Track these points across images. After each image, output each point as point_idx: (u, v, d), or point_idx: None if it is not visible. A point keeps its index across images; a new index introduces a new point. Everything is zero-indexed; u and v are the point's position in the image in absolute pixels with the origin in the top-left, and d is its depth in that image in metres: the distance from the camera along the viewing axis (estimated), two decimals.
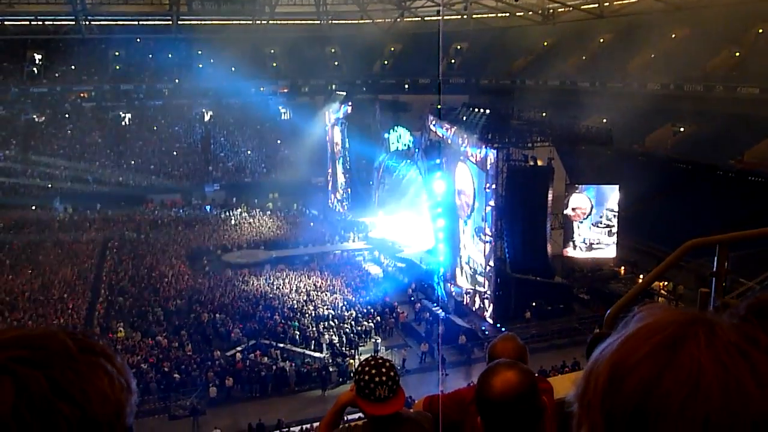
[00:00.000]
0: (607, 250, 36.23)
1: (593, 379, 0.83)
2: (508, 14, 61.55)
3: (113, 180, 54.63)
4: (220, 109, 64.19)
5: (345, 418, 3.06)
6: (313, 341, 30.36)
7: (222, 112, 64.13)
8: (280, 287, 36.40)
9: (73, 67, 63.24)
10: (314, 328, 30.99)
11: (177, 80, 64.84)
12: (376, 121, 45.20)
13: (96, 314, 33.39)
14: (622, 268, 36.99)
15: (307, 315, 32.44)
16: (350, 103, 48.53)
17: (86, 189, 53.09)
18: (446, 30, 66.41)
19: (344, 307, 33.38)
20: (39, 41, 63.15)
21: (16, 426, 0.76)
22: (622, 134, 41.28)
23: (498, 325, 30.94)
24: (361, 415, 2.83)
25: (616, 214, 35.72)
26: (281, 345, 30.02)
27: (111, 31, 64.14)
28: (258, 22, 66.51)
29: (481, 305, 33.35)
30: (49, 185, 52.87)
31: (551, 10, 60.14)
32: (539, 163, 33.07)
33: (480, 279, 33.41)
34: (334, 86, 63.49)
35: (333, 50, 71.62)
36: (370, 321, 31.86)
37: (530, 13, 59.97)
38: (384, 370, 2.75)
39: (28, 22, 63.08)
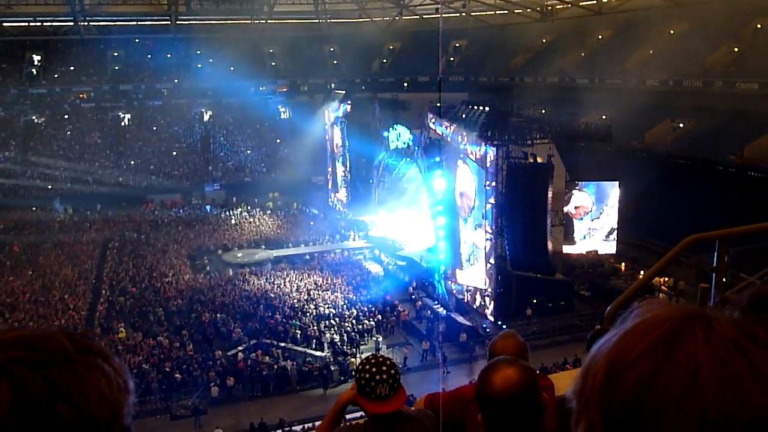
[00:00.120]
0: (608, 246, 36.24)
1: (591, 375, 0.83)
2: (506, 12, 61.38)
3: (113, 180, 54.67)
4: (219, 108, 64.18)
5: (346, 417, 3.06)
6: (314, 340, 30.38)
7: (221, 112, 64.13)
8: (281, 286, 36.43)
9: (72, 68, 63.21)
10: (315, 327, 31.01)
11: (176, 80, 64.79)
12: (375, 119, 45.18)
13: (97, 315, 33.44)
14: (623, 264, 37.02)
15: (308, 314, 32.45)
16: (349, 102, 48.53)
17: (86, 190, 53.15)
18: (445, 28, 66.40)
19: (345, 306, 33.42)
20: (38, 42, 63.06)
21: (13, 426, 0.77)
22: (621, 130, 41.26)
23: (499, 323, 30.97)
24: (362, 413, 2.83)
25: (617, 210, 35.73)
26: (282, 344, 30.03)
27: (110, 32, 64.06)
28: (256, 21, 66.40)
29: (482, 303, 33.38)
30: (49, 186, 52.90)
31: (550, 7, 60.00)
32: (539, 160, 33.04)
33: (480, 276, 33.43)
34: (333, 85, 63.52)
35: (332, 49, 71.55)
36: (371, 319, 31.87)
37: (529, 10, 59.83)
38: (384, 368, 2.75)
39: (26, 24, 62.96)
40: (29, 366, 0.81)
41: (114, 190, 53.51)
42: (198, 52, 66.01)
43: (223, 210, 53.11)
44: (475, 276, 34.06)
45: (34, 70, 62.86)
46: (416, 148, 38.23)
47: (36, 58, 63.37)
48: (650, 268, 4.16)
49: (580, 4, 55.01)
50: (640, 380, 0.76)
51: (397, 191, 44.04)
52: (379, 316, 32.38)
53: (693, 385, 0.74)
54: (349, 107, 47.99)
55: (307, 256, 41.70)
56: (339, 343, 29.87)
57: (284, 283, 36.91)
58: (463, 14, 64.45)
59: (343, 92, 51.86)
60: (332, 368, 28.03)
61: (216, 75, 61.12)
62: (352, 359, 27.80)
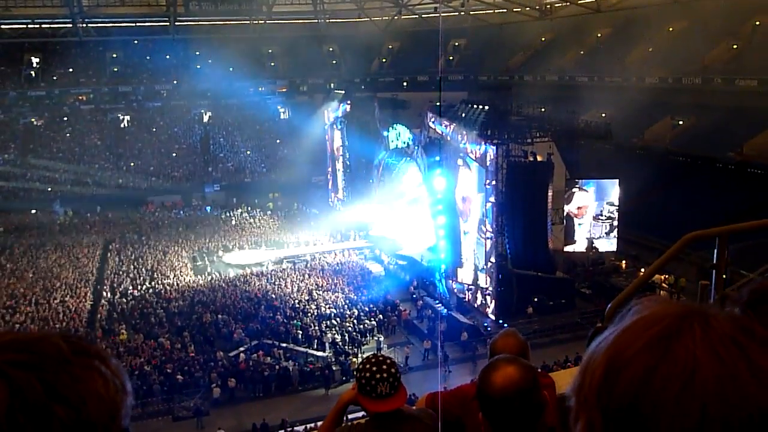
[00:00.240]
0: (608, 244, 36.25)
1: (589, 372, 0.83)
2: (505, 10, 61.38)
3: (113, 182, 54.70)
4: (218, 109, 64.21)
5: (348, 417, 3.06)
6: (315, 340, 30.37)
7: (221, 113, 64.15)
8: (282, 287, 36.42)
9: (70, 69, 63.25)
10: (316, 327, 31.01)
11: (175, 81, 64.82)
12: (375, 119, 45.15)
13: (98, 317, 33.42)
14: (623, 261, 37.01)
15: (309, 314, 32.45)
16: (349, 102, 48.54)
17: (86, 191, 53.15)
18: (444, 27, 66.42)
19: (346, 306, 33.42)
20: (36, 44, 63.04)
21: (10, 429, 0.77)
22: (621, 128, 41.26)
23: (500, 321, 30.98)
24: (364, 413, 2.83)
25: (617, 208, 35.75)
26: (284, 344, 30.03)
27: (108, 33, 63.98)
28: (255, 22, 66.40)
29: (483, 301, 33.38)
30: (49, 188, 52.95)
31: (548, 6, 60.01)
32: (539, 158, 33.03)
33: (481, 275, 33.46)
34: (332, 85, 63.58)
35: (331, 49, 71.57)
36: (372, 319, 31.86)
37: (528, 8, 59.83)
38: (385, 367, 2.75)
39: (25, 26, 62.89)
40: (26, 368, 0.81)
41: (114, 191, 53.51)
42: (197, 53, 66.05)
43: (224, 211, 53.13)
44: (468, 274, 34.23)
45: (32, 72, 62.89)
46: (416, 147, 38.21)
47: (35, 60, 63.39)
48: (650, 266, 4.17)
49: (579, 2, 54.99)
50: (638, 377, 0.76)
51: (397, 191, 44.02)
52: (380, 316, 32.37)
53: (691, 381, 0.74)
54: (348, 107, 48.00)
55: (308, 257, 41.70)
56: (340, 343, 29.87)
57: (285, 283, 36.90)
58: (462, 13, 64.41)
59: (343, 92, 51.86)
60: (334, 368, 28.02)
61: (215, 76, 61.16)
62: (354, 359, 27.80)
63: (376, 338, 30.57)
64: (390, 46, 72.04)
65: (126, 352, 28.73)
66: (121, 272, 39.62)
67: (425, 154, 36.42)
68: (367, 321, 31.63)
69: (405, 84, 66.78)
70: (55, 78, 62.93)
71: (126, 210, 51.26)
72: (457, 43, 70.68)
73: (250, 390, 27.20)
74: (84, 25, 62.31)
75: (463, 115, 37.03)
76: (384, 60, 71.99)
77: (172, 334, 31.11)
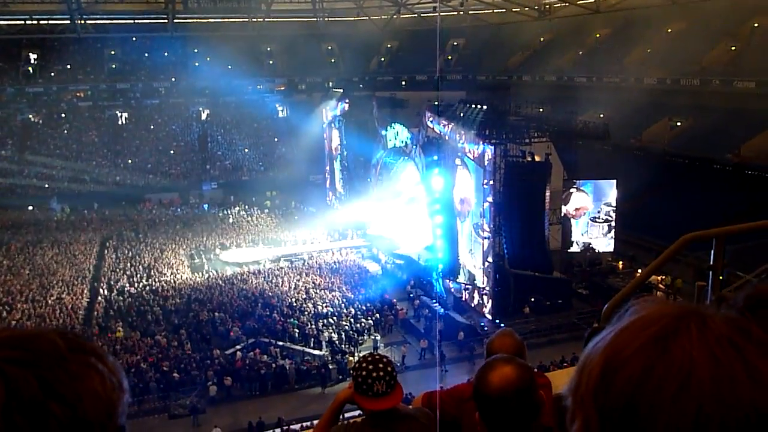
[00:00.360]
0: (606, 244, 36.29)
1: (586, 373, 0.83)
2: (504, 10, 61.47)
3: (110, 179, 54.62)
4: (216, 107, 64.15)
5: (344, 416, 3.06)
6: (312, 339, 30.38)
7: (219, 111, 64.08)
8: (279, 285, 36.41)
9: (68, 66, 63.14)
10: (313, 326, 31.00)
11: (173, 79, 64.76)
12: (373, 118, 45.13)
13: (94, 314, 33.39)
14: (621, 262, 37.05)
15: (306, 313, 32.45)
16: (347, 101, 48.51)
17: (83, 189, 53.08)
18: (443, 26, 66.47)
19: (343, 305, 33.40)
20: (34, 41, 62.98)
21: (6, 426, 0.76)
22: (619, 129, 41.32)
23: (497, 321, 30.97)
24: (360, 412, 2.83)
25: (614, 208, 35.78)
26: (280, 343, 30.01)
27: (106, 30, 63.95)
28: (254, 19, 66.37)
29: (480, 301, 33.40)
30: (46, 185, 52.88)
31: (547, 6, 60.11)
32: (537, 158, 33.02)
33: (478, 275, 33.48)
34: (331, 83, 63.53)
35: (330, 47, 71.55)
36: (369, 318, 31.86)
37: (527, 8, 59.92)
38: (381, 365, 2.76)
39: (23, 22, 62.91)
40: (22, 365, 0.81)
41: (111, 189, 53.45)
42: (195, 50, 65.96)
43: (221, 209, 53.10)
44: (465, 273, 34.27)
45: (30, 69, 62.76)
46: (414, 146, 38.21)
47: (32, 56, 63.29)
48: (648, 267, 4.17)
49: (578, 2, 55.08)
50: (635, 377, 0.76)
51: (394, 190, 44.02)
52: (377, 315, 32.38)
53: (687, 382, 0.74)
54: (346, 106, 47.97)
55: (305, 255, 41.69)
56: (337, 342, 29.87)
57: (282, 281, 36.89)
58: (461, 13, 64.50)
59: (341, 91, 51.82)
60: (330, 367, 28.01)
61: (213, 73, 61.11)
62: (351, 358, 27.80)
63: (372, 337, 30.58)
64: (389, 45, 72.04)
65: (122, 349, 28.70)
66: (118, 269, 39.58)
67: (423, 153, 36.42)
68: (364, 320, 31.63)
69: (403, 83, 66.81)
70: (52, 74, 62.83)
71: (123, 207, 51.20)
72: (455, 43, 70.71)
73: (246, 388, 27.18)
74: (82, 21, 62.23)
75: (462, 114, 37.04)
76: (382, 59, 71.99)
77: (169, 331, 31.09)
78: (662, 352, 0.77)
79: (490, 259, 32.24)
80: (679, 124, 46.63)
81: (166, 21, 65.22)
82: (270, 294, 35.06)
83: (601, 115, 45.82)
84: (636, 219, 36.06)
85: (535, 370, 2.53)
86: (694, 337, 0.77)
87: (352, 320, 31.51)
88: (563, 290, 33.48)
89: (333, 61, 71.24)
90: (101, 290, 36.28)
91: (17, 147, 56.18)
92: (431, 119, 37.23)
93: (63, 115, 60.90)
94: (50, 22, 63.08)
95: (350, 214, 46.63)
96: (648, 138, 46.81)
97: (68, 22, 62.02)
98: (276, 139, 62.04)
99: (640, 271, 30.43)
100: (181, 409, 25.42)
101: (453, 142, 34.95)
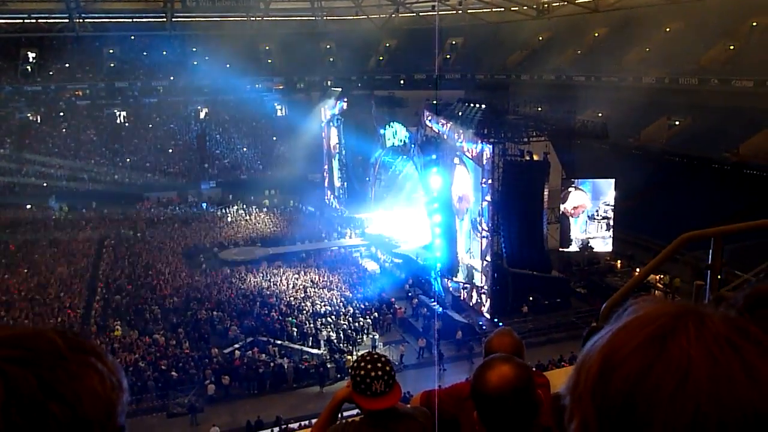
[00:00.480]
0: (604, 243, 36.31)
1: (584, 371, 0.83)
2: (503, 9, 61.47)
3: (109, 178, 54.56)
4: (215, 106, 64.12)
5: (343, 415, 3.06)
6: (310, 338, 30.37)
7: (217, 109, 64.05)
8: (277, 284, 36.40)
9: (67, 65, 63.07)
10: (312, 325, 30.99)
11: (172, 78, 64.73)
12: (371, 117, 45.15)
13: (93, 313, 33.34)
14: (619, 261, 37.07)
15: (304, 312, 32.44)
16: (346, 99, 48.48)
17: (82, 187, 53.03)
18: (441, 25, 66.42)
19: (342, 304, 33.39)
20: (33, 39, 62.96)
21: (5, 425, 0.76)
22: (617, 128, 41.35)
23: (495, 320, 30.96)
24: (358, 411, 2.83)
25: (612, 207, 35.79)
26: (279, 342, 29.99)
27: (105, 29, 63.95)
28: (252, 18, 66.37)
29: (479, 300, 33.40)
30: (45, 184, 52.83)
31: (546, 5, 60.13)
32: (535, 157, 33.03)
33: (477, 274, 33.50)
34: (329, 82, 63.60)
35: (328, 46, 71.54)
36: (367, 317, 31.85)
37: (525, 7, 59.92)
38: (380, 365, 2.75)
39: (21, 20, 62.90)
40: (22, 364, 0.80)
41: (110, 187, 53.38)
42: (194, 49, 65.97)
43: (220, 208, 53.05)
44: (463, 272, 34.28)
45: (29, 67, 62.71)
46: (412, 145, 38.23)
47: (31, 55, 63.26)
48: (646, 266, 4.18)
49: (577, 1, 55.10)
50: (632, 376, 0.76)
51: (393, 189, 44.05)
52: (376, 314, 32.37)
53: (685, 381, 0.74)
54: (345, 105, 47.95)
55: (304, 254, 41.65)
56: (335, 341, 29.86)
57: (281, 280, 36.87)
58: (460, 11, 64.48)
59: (340, 90, 51.79)
60: (329, 366, 27.99)
61: (212, 72, 61.04)
62: (349, 357, 27.80)
63: (371, 336, 30.57)
64: (387, 44, 72.04)
65: (120, 348, 28.68)
66: (116, 268, 39.55)
67: (422, 152, 36.43)
68: (362, 319, 31.63)
69: (402, 82, 66.81)
70: (51, 73, 62.76)
71: (122, 206, 51.12)
72: (454, 42, 70.72)
73: (244, 387, 27.14)
74: (81, 20, 62.25)
75: (460, 113, 37.04)
76: (381, 58, 72.00)
77: (167, 330, 31.05)
78: (660, 351, 0.77)
79: (488, 258, 32.25)
80: (677, 123, 46.68)
81: (164, 20, 65.24)
82: (268, 293, 35.05)
83: (600, 114, 45.87)
84: (634, 218, 36.09)
85: (534, 369, 2.53)
86: (692, 336, 0.77)
87: (350, 319, 31.50)
88: (562, 289, 33.47)
89: (331, 60, 71.22)
90: (99, 289, 36.26)
91: (16, 146, 56.11)
92: (430, 118, 37.22)
93: (61, 113, 60.85)
94: (49, 20, 63.06)
95: (349, 213, 46.66)
96: (646, 137, 46.85)
97: (67, 20, 62.01)
98: (274, 138, 62.00)
99: (638, 270, 30.46)
100: (180, 407, 25.39)
101: (451, 141, 34.94)
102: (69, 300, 34.37)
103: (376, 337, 30.50)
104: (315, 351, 29.47)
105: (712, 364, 0.74)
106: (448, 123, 35.67)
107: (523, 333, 27.13)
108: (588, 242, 36.34)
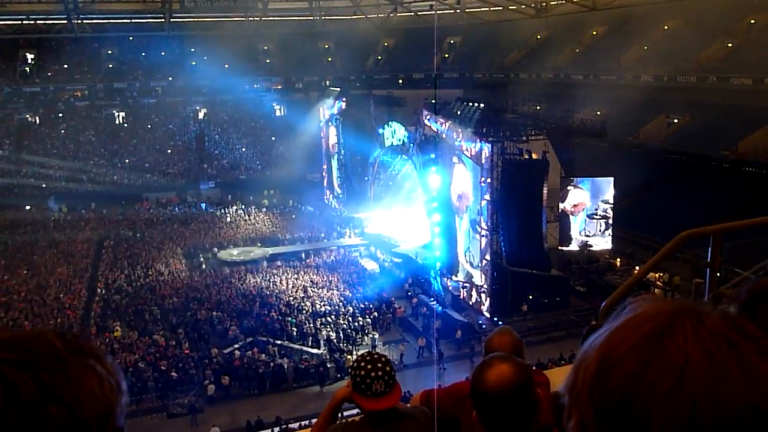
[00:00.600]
0: (603, 242, 36.31)
1: (582, 370, 0.83)
2: (501, 8, 61.46)
3: (108, 179, 54.56)
4: (214, 106, 64.09)
5: (343, 414, 3.06)
6: (310, 338, 30.37)
7: (216, 110, 64.03)
8: (277, 284, 36.39)
9: (65, 66, 63.04)
10: (311, 325, 30.99)
11: (170, 78, 64.69)
12: (370, 116, 45.15)
13: (92, 313, 33.33)
14: (618, 259, 37.07)
15: (304, 311, 32.43)
16: (344, 99, 48.47)
17: (81, 188, 53.04)
18: (440, 24, 66.38)
19: (341, 303, 33.39)
20: (31, 40, 62.95)
21: (3, 428, 0.76)
22: (616, 126, 41.36)
23: (495, 319, 30.97)
24: (358, 411, 2.83)
25: (612, 206, 35.79)
26: (279, 342, 29.99)
27: (103, 30, 63.91)
28: (251, 18, 66.32)
29: (478, 299, 33.40)
30: (44, 185, 52.81)
31: (544, 3, 60.14)
32: (534, 156, 33.03)
33: (476, 273, 33.49)
34: (328, 82, 63.55)
35: (326, 46, 71.53)
36: (367, 317, 31.85)
37: (523, 6, 59.90)
38: (380, 365, 2.75)
39: (19, 22, 62.86)
40: (20, 367, 0.80)
41: (109, 188, 53.40)
42: (192, 49, 65.94)
43: (219, 208, 53.04)
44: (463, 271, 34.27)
45: (27, 69, 62.66)
46: (411, 145, 38.22)
47: (29, 56, 63.23)
48: (645, 264, 4.18)
49: (575, 0, 55.05)
50: (630, 374, 0.77)
51: (392, 188, 44.05)
52: (375, 313, 32.37)
53: (682, 378, 0.74)
54: (344, 104, 47.95)
55: (303, 254, 41.64)
56: (335, 341, 29.86)
57: (280, 280, 36.87)
58: (458, 11, 64.45)
59: (338, 89, 51.79)
60: (328, 365, 28.00)
61: (210, 73, 61.02)
62: (349, 356, 27.80)
63: (370, 336, 30.56)
64: (385, 44, 72.03)
65: (120, 348, 28.68)
66: (115, 269, 39.52)
67: (420, 151, 36.44)
68: (362, 318, 31.62)
69: (400, 81, 66.78)
70: (49, 74, 62.72)
71: (121, 207, 51.14)
72: (452, 41, 70.70)
73: (244, 387, 27.14)
74: (79, 21, 62.19)
75: (459, 112, 37.06)
76: (379, 57, 71.98)
77: (167, 330, 31.05)
78: (657, 349, 0.77)
79: (487, 256, 32.24)
80: (676, 121, 46.69)
81: (162, 20, 65.19)
82: (268, 293, 35.04)
83: (598, 113, 45.87)
84: (633, 216, 36.09)
85: (533, 368, 2.53)
86: (689, 334, 0.77)
87: (350, 319, 31.50)
88: (561, 288, 33.47)
89: (330, 59, 71.20)
90: (99, 290, 36.25)
91: (14, 147, 56.08)
92: (428, 117, 37.22)
93: (60, 114, 60.81)
94: (47, 21, 63.02)
95: (348, 212, 46.66)
96: (645, 135, 46.85)
97: (65, 21, 61.96)
98: (273, 138, 61.99)
99: (637, 268, 30.48)
100: (180, 408, 25.40)
101: (450, 140, 34.94)
102: (68, 301, 34.36)
103: (376, 336, 30.49)
104: (315, 351, 29.48)
105: (709, 362, 0.74)
106: (447, 122, 35.67)
107: (523, 332, 27.15)
108: (587, 241, 36.35)
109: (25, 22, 62.82)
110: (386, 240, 41.99)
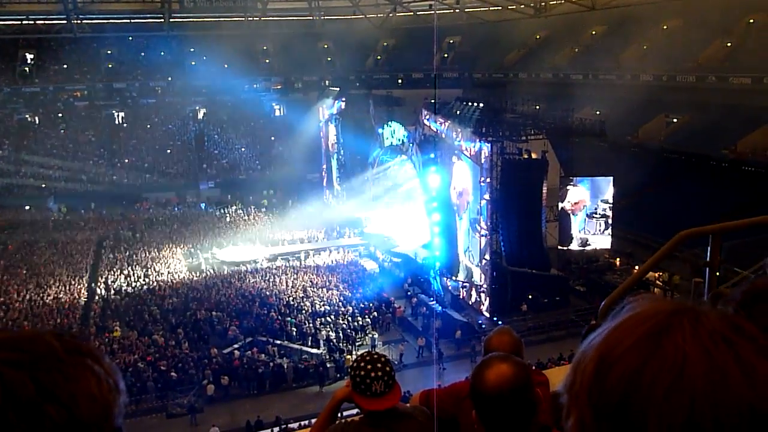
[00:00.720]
0: (603, 241, 36.32)
1: (581, 369, 0.83)
2: (500, 7, 61.49)
3: (107, 179, 54.58)
4: (213, 106, 64.03)
5: (342, 414, 3.06)
6: (310, 337, 30.37)
7: (215, 110, 63.97)
8: (276, 284, 36.39)
9: (65, 66, 63.01)
10: (311, 325, 30.99)
11: (170, 78, 64.64)
12: (369, 116, 45.14)
13: (92, 314, 33.33)
14: (618, 259, 37.08)
15: (303, 311, 32.44)
16: (344, 99, 48.47)
17: (80, 188, 53.01)
18: (439, 24, 66.43)
19: (341, 303, 33.39)
20: (31, 40, 62.93)
21: (1, 428, 0.76)
22: (615, 126, 41.35)
23: (494, 319, 30.98)
24: (358, 410, 2.83)
25: (611, 205, 35.80)
26: (278, 342, 30.00)
27: (103, 30, 63.89)
28: (250, 18, 66.33)
29: (478, 299, 33.40)
30: (43, 185, 52.80)
31: (543, 3, 60.17)
32: (533, 156, 33.06)
33: (476, 272, 33.48)
34: (327, 82, 63.51)
35: (326, 46, 71.50)
36: (366, 316, 31.86)
37: (522, 6, 59.93)
38: (379, 365, 2.75)
39: (19, 22, 62.85)
40: (18, 367, 0.80)
41: (108, 188, 53.41)
42: (192, 49, 65.89)
43: (218, 208, 53.04)
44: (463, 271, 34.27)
45: (27, 69, 62.61)
46: (411, 144, 38.21)
47: (29, 56, 63.19)
48: (644, 263, 4.18)
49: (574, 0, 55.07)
50: (628, 374, 0.77)
51: (392, 188, 44.01)
52: (375, 313, 32.38)
53: (680, 378, 0.74)
54: (343, 104, 47.94)
55: (303, 254, 41.64)
56: (335, 341, 29.86)
57: (280, 280, 36.86)
58: (457, 10, 64.51)
59: (338, 89, 51.77)
60: (328, 365, 28.03)
61: (210, 73, 60.98)
62: (348, 356, 27.82)
63: (370, 335, 30.57)
64: (385, 44, 72.01)
65: (120, 348, 28.68)
66: (115, 269, 39.51)
67: (420, 151, 36.43)
68: (362, 318, 31.63)
69: (400, 81, 66.74)
70: (49, 74, 62.66)
71: (120, 207, 51.14)
72: (452, 41, 70.67)
73: (244, 387, 27.15)
74: (78, 21, 62.21)
75: (458, 112, 37.08)
76: (379, 57, 71.96)
77: (166, 330, 31.05)
78: (655, 349, 0.77)
79: (487, 256, 32.24)
80: (675, 120, 46.66)
81: (162, 20, 65.21)
82: (267, 293, 35.03)
83: (598, 112, 45.87)
84: (633, 215, 36.10)
85: (533, 367, 2.53)
86: (688, 334, 0.77)
87: (349, 318, 31.51)
88: (561, 287, 33.49)
89: (329, 59, 71.18)
90: (98, 290, 36.25)
91: (14, 147, 56.05)
92: (428, 117, 37.21)
93: (60, 114, 60.76)
94: (46, 21, 63.03)
95: (347, 212, 46.62)
96: (644, 135, 46.84)
97: (64, 21, 61.99)
98: (273, 138, 61.96)
99: (637, 267, 30.46)
100: (179, 408, 25.41)
101: (450, 139, 34.95)
102: (68, 301, 34.35)
103: (376, 336, 30.51)
104: (314, 351, 29.48)
105: (707, 361, 0.74)
106: (447, 122, 35.68)
107: (523, 331, 27.18)
108: (587, 240, 36.36)
109: (24, 22, 62.82)
110: (386, 240, 41.98)
